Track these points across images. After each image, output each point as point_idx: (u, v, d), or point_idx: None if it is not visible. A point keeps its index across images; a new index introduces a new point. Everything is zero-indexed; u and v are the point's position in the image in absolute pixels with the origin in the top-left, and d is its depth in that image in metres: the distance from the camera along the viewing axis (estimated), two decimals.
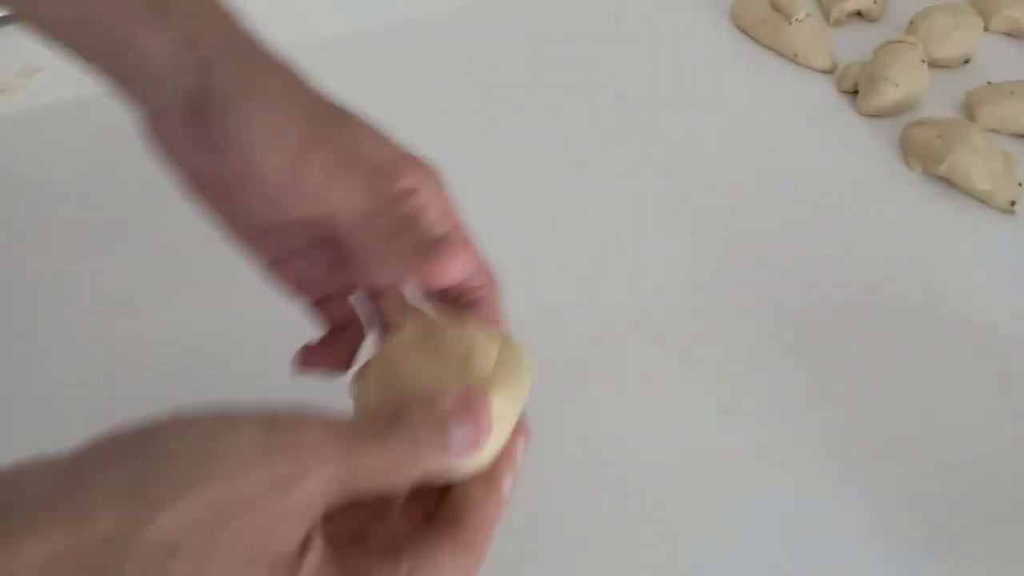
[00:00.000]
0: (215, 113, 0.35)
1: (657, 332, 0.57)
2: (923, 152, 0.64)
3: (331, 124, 0.36)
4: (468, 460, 0.32)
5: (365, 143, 0.37)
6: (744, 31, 0.74)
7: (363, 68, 0.68)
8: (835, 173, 0.66)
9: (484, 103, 0.68)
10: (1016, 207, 0.63)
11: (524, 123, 0.67)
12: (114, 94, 0.38)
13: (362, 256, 0.37)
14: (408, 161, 0.37)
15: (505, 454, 0.34)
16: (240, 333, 0.54)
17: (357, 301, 0.43)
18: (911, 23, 0.73)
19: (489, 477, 0.33)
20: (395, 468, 0.30)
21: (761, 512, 0.50)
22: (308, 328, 0.43)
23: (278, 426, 0.28)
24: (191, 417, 0.27)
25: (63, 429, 0.51)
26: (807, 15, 0.73)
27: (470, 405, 0.32)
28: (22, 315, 0.56)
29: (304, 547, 0.28)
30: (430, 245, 0.35)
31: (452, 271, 0.35)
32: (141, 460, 0.26)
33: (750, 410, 0.53)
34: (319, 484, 0.28)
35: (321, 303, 0.42)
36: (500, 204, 0.61)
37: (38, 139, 0.63)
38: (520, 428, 0.35)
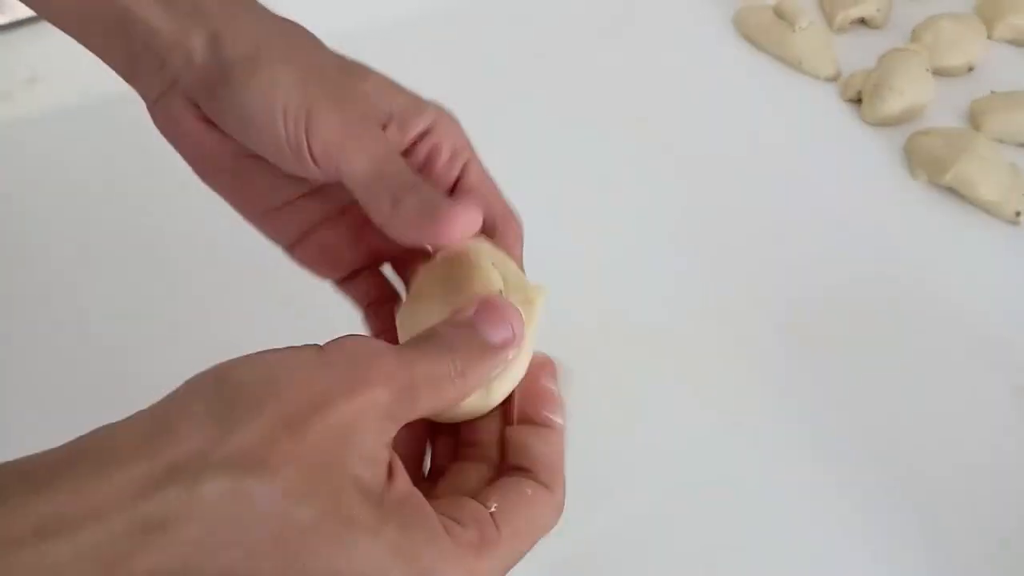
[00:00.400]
0: (220, 86, 0.35)
1: (663, 344, 0.56)
2: (929, 161, 0.64)
3: (338, 84, 0.36)
4: (508, 365, 0.33)
5: (376, 95, 0.37)
6: (748, 38, 0.74)
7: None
8: (840, 182, 0.66)
9: (485, 108, 0.67)
10: (1021, 218, 0.62)
11: (528, 129, 0.67)
12: (122, 76, 0.37)
13: (373, 220, 0.36)
14: (419, 106, 0.37)
15: (537, 392, 0.34)
16: (250, 338, 0.53)
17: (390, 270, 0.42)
18: (914, 31, 0.73)
19: (538, 420, 0.34)
20: (448, 378, 0.30)
21: (770, 526, 0.49)
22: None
23: (329, 346, 0.29)
24: (250, 356, 0.28)
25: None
26: (811, 23, 0.73)
27: (488, 302, 0.33)
28: (22, 323, 0.55)
29: (391, 473, 0.28)
30: (434, 205, 0.34)
31: (456, 230, 0.34)
32: (216, 395, 0.26)
33: (758, 423, 0.53)
34: (384, 392, 0.28)
35: (350, 280, 0.41)
36: None
37: (39, 147, 0.63)
38: (543, 361, 0.35)
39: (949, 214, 0.64)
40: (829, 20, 0.76)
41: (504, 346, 0.32)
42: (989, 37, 0.74)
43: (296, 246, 0.40)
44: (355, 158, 0.35)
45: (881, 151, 0.67)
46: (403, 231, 0.35)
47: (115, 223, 0.59)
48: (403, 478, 0.29)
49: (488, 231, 0.38)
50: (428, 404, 0.30)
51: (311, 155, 0.35)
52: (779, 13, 0.73)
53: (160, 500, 0.24)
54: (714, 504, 0.50)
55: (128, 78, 0.37)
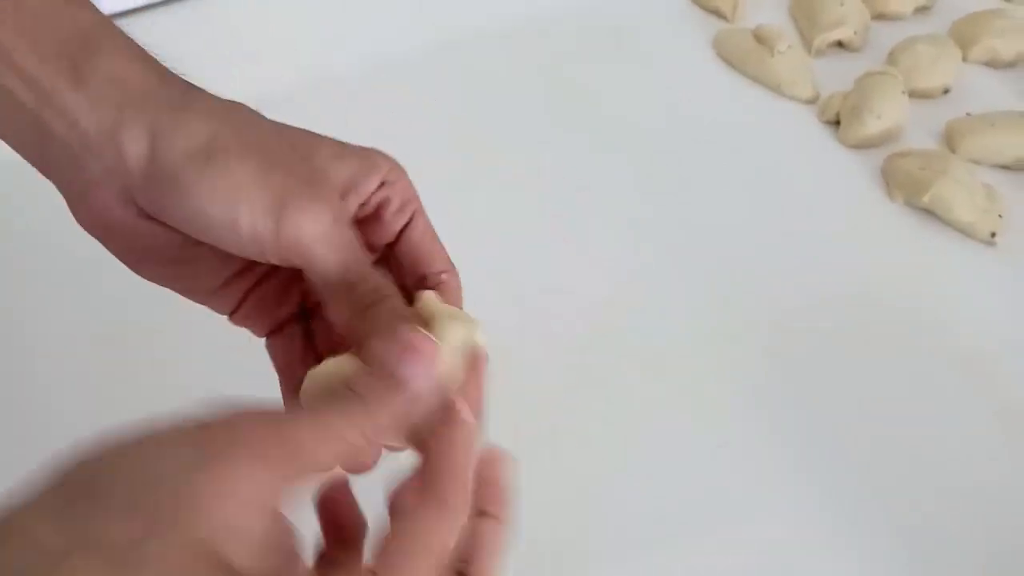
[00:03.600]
0: (169, 191, 0.33)
1: (651, 364, 0.57)
2: (906, 183, 0.65)
3: (300, 171, 0.35)
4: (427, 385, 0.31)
5: (330, 165, 0.36)
6: (728, 62, 0.75)
7: (358, 106, 0.68)
8: (819, 203, 0.66)
9: (473, 133, 0.68)
10: (997, 238, 0.63)
11: (511, 153, 0.67)
12: (34, 165, 0.35)
13: (332, 320, 0.36)
14: (372, 164, 0.37)
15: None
16: (233, 371, 0.53)
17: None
18: (891, 53, 0.74)
19: (440, 411, 0.32)
20: (350, 426, 0.29)
21: (759, 549, 0.50)
22: None
23: (205, 425, 0.27)
24: (117, 445, 0.26)
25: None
26: (789, 46, 0.73)
27: (400, 336, 0.31)
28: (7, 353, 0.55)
29: (287, 559, 0.27)
30: (397, 323, 0.33)
31: (418, 360, 0.32)
32: (67, 490, 0.25)
33: (747, 444, 0.54)
34: (261, 473, 0.26)
35: (280, 333, 0.39)
36: (489, 234, 0.61)
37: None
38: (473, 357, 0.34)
39: (926, 235, 0.64)
40: (807, 44, 0.76)
41: (423, 382, 0.31)
42: (964, 59, 0.75)
43: (235, 312, 0.39)
44: (326, 260, 0.34)
45: (859, 173, 0.68)
46: (363, 339, 0.33)
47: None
48: (299, 565, 0.27)
49: (430, 284, 0.38)
50: (330, 459, 0.29)
51: (278, 252, 0.34)
52: (758, 37, 0.74)
53: None
54: (702, 520, 0.51)
55: (42, 170, 0.35)
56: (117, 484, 0.25)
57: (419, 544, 0.29)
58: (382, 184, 0.37)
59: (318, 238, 0.34)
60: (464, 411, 0.32)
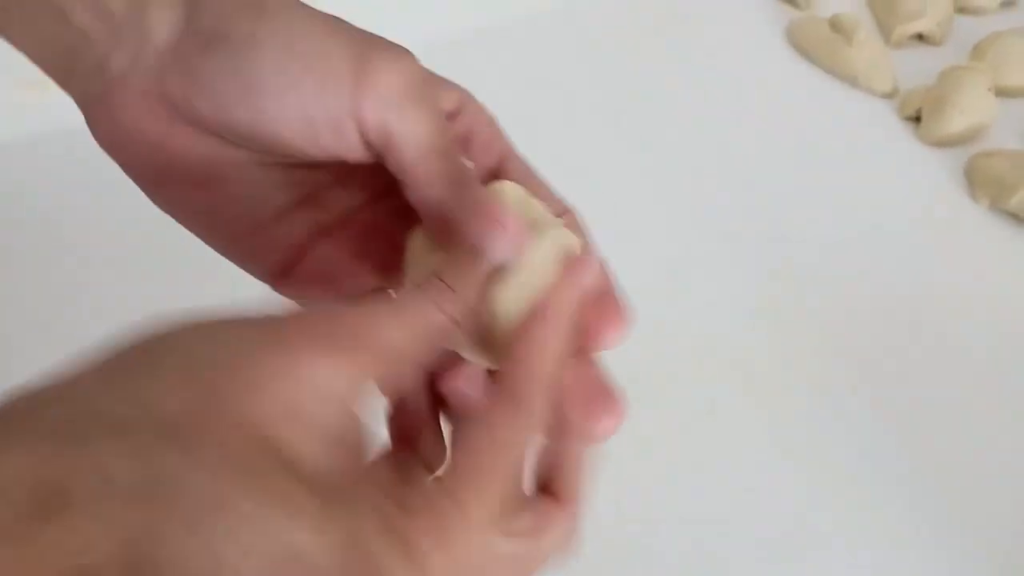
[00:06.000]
0: (211, 52, 0.28)
1: (718, 366, 0.54)
2: (992, 185, 0.62)
3: (367, 43, 0.29)
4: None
5: (398, 63, 0.30)
6: (802, 52, 0.72)
7: None
8: (897, 204, 0.63)
9: (533, 117, 0.66)
10: None
11: (576, 143, 0.64)
12: (53, 76, 0.31)
13: (418, 194, 0.29)
14: (443, 82, 0.31)
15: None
16: None
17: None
18: (976, 48, 0.71)
19: (532, 310, 0.28)
20: (427, 301, 0.25)
21: (821, 567, 0.47)
22: None
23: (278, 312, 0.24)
24: (190, 324, 0.23)
25: None
26: (867, 37, 0.70)
27: (484, 209, 0.28)
28: (35, 335, 0.54)
29: (355, 453, 0.23)
30: (487, 199, 0.29)
31: (511, 232, 0.28)
32: (135, 367, 0.22)
33: (813, 455, 0.51)
34: (341, 361, 0.23)
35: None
36: None
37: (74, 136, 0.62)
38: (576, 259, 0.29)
39: (1012, 240, 0.61)
40: (886, 35, 0.73)
41: (496, 247, 0.27)
42: None
43: (290, 271, 0.32)
44: (416, 122, 0.28)
45: (941, 172, 0.65)
46: (463, 215, 0.28)
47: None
48: (362, 461, 0.24)
49: None
50: (410, 343, 0.25)
51: (361, 121, 0.28)
52: (834, 26, 0.71)
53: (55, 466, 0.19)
54: (768, 548, 0.48)
55: (63, 77, 0.30)
56: (174, 358, 0.22)
57: (490, 447, 0.25)
58: (457, 112, 0.31)
59: (408, 96, 0.28)
60: (552, 311, 0.28)
